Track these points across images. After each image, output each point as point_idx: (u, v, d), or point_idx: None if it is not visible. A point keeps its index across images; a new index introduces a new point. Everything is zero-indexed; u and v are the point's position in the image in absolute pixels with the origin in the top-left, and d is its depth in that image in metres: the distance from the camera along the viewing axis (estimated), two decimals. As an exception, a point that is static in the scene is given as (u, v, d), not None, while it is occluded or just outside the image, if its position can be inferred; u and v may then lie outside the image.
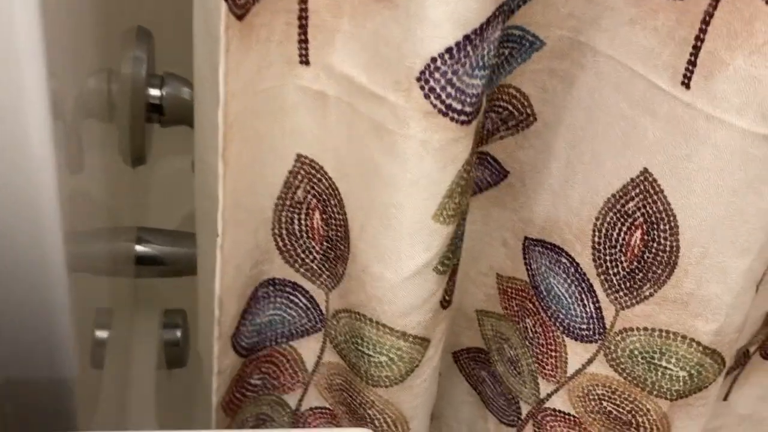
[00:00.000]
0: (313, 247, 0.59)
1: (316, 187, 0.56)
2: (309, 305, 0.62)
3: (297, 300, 0.62)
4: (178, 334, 1.13)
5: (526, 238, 0.66)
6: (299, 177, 0.55)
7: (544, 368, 0.68)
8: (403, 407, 0.63)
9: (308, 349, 0.64)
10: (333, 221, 0.57)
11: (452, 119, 0.47)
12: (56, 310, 0.47)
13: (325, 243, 0.59)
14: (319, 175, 0.55)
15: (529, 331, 0.68)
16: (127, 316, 0.92)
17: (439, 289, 0.57)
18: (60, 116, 0.42)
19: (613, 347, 0.63)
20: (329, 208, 0.57)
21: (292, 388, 0.66)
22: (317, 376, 0.66)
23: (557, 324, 0.65)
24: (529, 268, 0.67)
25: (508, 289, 0.70)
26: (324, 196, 0.56)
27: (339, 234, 0.57)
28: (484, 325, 0.75)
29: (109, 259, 0.73)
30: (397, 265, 0.54)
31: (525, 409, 0.72)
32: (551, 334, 0.66)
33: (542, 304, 0.66)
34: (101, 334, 0.64)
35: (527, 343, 0.69)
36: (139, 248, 0.83)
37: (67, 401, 0.52)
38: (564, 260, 0.63)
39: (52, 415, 0.53)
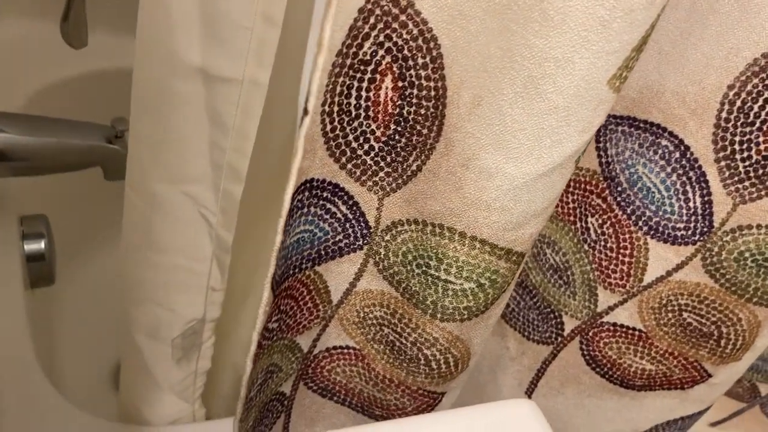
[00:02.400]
0: (372, 131, 0.38)
1: (395, 37, 0.35)
2: (350, 215, 0.42)
3: (335, 209, 0.41)
4: (42, 245, 0.88)
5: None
6: (372, 20, 0.34)
7: (610, 277, 0.54)
8: (473, 343, 0.46)
9: (338, 274, 0.45)
10: (414, 92, 0.37)
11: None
12: None
13: (392, 125, 0.39)
14: (404, 17, 0.35)
15: (593, 232, 0.53)
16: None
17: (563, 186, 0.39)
18: None
19: (717, 249, 0.49)
20: (411, 71, 0.36)
21: (308, 326, 0.47)
22: (344, 309, 0.47)
23: (640, 223, 0.51)
24: (603, 154, 0.50)
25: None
26: (406, 52, 0.36)
27: (423, 111, 0.37)
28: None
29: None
30: (535, 154, 0.36)
31: (570, 325, 0.58)
32: (628, 236, 0.52)
33: (619, 199, 0.51)
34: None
35: (586, 247, 0.54)
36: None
37: None
38: (665, 143, 0.48)
39: None
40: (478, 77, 0.34)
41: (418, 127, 0.38)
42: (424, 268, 0.42)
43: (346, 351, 0.49)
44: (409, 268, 0.42)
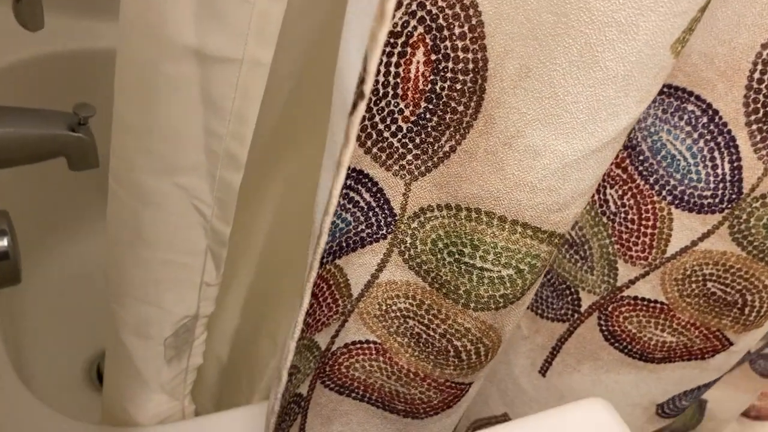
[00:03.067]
0: (400, 111, 0.34)
1: (429, 4, 0.31)
2: (373, 203, 0.38)
3: (357, 197, 0.38)
4: (5, 242, 0.82)
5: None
6: (403, -11, 0.30)
7: (631, 249, 0.51)
8: (505, 330, 0.43)
9: (360, 266, 0.41)
10: (449, 65, 0.33)
11: None
12: None
13: (423, 103, 0.35)
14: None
15: (612, 205, 0.50)
16: None
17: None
18: None
19: (745, 216, 0.47)
20: (447, 43, 0.32)
21: (326, 323, 0.43)
22: (365, 302, 0.43)
23: (664, 193, 0.48)
24: (624, 122, 0.47)
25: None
26: (441, 21, 0.32)
27: (459, 86, 0.33)
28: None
29: None
30: (589, 128, 0.33)
31: (588, 301, 0.55)
32: (651, 207, 0.49)
33: (641, 168, 0.48)
34: None
35: (605, 220, 0.51)
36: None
37: None
38: (691, 107, 0.45)
39: None
40: (527, 46, 0.31)
41: (453, 104, 0.34)
42: (456, 256, 0.38)
43: (366, 346, 0.45)
44: (439, 256, 0.39)
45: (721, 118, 0.44)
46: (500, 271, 0.38)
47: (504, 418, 0.65)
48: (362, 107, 0.26)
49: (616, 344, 0.56)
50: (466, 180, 0.36)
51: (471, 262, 0.38)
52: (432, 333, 0.43)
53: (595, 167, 0.34)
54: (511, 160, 0.34)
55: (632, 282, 0.52)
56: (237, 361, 0.87)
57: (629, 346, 0.55)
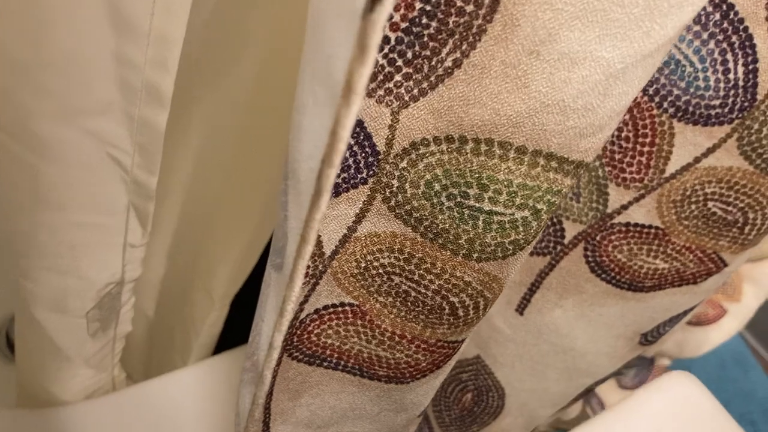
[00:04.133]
0: (389, 17, 0.26)
1: None
2: (350, 141, 0.29)
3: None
4: None
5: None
6: None
7: (625, 171, 0.44)
8: (508, 279, 0.36)
9: (333, 219, 0.32)
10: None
11: None
12: None
13: (418, 3, 0.26)
14: None
15: (603, 121, 0.43)
16: None
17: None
18: None
19: (757, 126, 0.41)
20: None
21: (294, 290, 0.35)
22: (340, 261, 0.34)
23: (665, 105, 0.41)
24: (620, 23, 0.40)
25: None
26: None
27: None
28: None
29: None
30: (645, 26, 0.25)
31: (573, 231, 0.48)
32: (649, 122, 0.42)
33: (639, 77, 0.41)
34: None
35: (595, 139, 0.44)
36: None
37: None
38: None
39: None
40: None
41: (459, 3, 0.25)
42: (458, 200, 0.30)
43: (341, 309, 0.37)
44: (435, 201, 0.31)
45: (737, 13, 0.37)
46: (513, 214, 0.31)
47: (477, 360, 0.60)
48: (384, 12, 0.17)
49: (603, 275, 0.50)
50: (475, 103, 0.27)
51: (477, 205, 0.30)
52: (423, 290, 0.35)
53: (642, 78, 0.26)
54: (539, 73, 0.26)
55: (624, 207, 0.46)
56: (167, 317, 0.77)
57: (617, 276, 0.50)
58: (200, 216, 0.66)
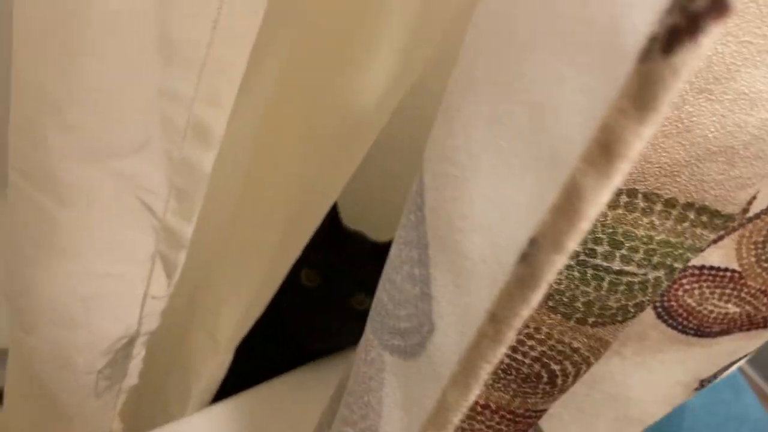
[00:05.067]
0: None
1: None
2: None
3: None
4: None
5: None
6: None
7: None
8: (615, 342, 0.31)
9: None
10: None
11: None
12: None
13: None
14: None
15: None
16: None
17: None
18: None
19: None
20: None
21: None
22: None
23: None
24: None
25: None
26: None
27: None
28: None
29: None
30: None
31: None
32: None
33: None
34: None
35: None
36: None
37: None
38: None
39: None
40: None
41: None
42: (582, 257, 0.26)
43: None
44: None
45: None
46: (645, 274, 0.26)
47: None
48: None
49: (670, 321, 0.46)
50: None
51: (604, 264, 0.26)
52: (520, 357, 0.30)
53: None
54: (708, 115, 0.21)
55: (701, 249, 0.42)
56: (161, 357, 0.71)
57: (684, 322, 0.46)
58: (205, 248, 0.61)
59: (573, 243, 0.14)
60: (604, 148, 0.12)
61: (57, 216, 0.35)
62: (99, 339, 0.45)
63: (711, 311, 0.45)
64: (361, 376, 0.27)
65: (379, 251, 0.73)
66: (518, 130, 0.16)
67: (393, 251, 0.24)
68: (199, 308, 0.62)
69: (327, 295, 0.69)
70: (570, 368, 0.31)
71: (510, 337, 0.17)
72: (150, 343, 0.71)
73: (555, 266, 0.15)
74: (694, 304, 0.44)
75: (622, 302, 0.27)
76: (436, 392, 0.21)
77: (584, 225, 0.14)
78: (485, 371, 0.18)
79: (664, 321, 0.46)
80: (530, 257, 0.15)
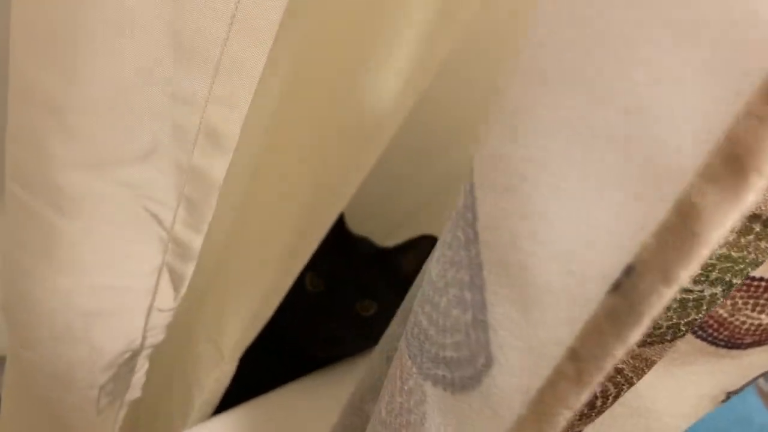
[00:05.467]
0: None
1: None
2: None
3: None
4: None
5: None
6: None
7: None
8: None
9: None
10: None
11: None
12: None
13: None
14: None
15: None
16: None
17: None
18: None
19: None
20: None
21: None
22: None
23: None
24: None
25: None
26: None
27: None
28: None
29: None
30: None
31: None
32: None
33: None
34: None
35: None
36: None
37: None
38: None
39: None
40: None
41: None
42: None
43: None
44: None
45: None
46: (702, 291, 0.24)
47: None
48: None
49: (700, 332, 0.44)
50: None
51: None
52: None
53: None
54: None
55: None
56: (167, 365, 0.68)
57: (715, 333, 0.44)
58: (210, 255, 0.58)
59: (687, 273, 0.12)
60: (732, 162, 0.10)
61: (58, 227, 0.33)
62: (101, 354, 0.43)
63: (743, 322, 0.43)
64: (398, 408, 0.24)
65: (385, 257, 0.71)
66: (611, 139, 0.14)
67: (434, 271, 0.21)
68: (203, 317, 0.60)
69: (331, 300, 0.67)
70: (612, 389, 0.29)
71: (597, 380, 0.15)
72: (151, 354, 0.69)
73: (662, 300, 0.12)
74: (725, 315, 0.42)
75: (674, 320, 0.25)
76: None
77: (704, 252, 0.11)
78: (564, 418, 0.16)
79: (694, 332, 0.44)
80: (626, 287, 0.13)
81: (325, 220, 0.50)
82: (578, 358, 0.15)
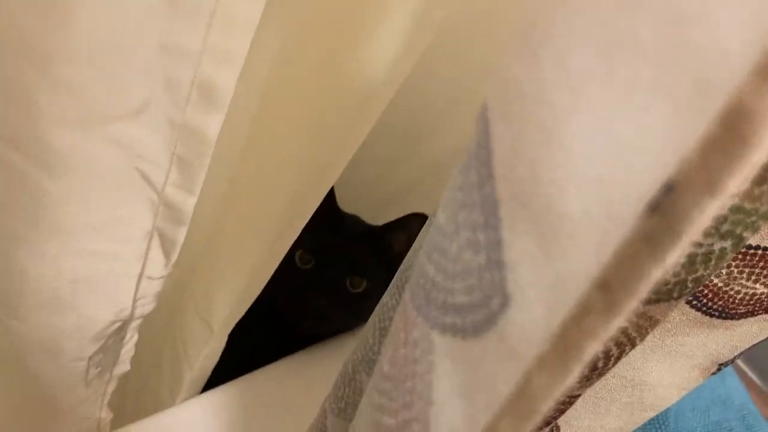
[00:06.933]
0: None
1: None
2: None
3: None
4: None
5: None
6: None
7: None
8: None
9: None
10: None
11: None
12: None
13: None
14: None
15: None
16: None
17: None
18: None
19: None
20: None
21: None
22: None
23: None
24: None
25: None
26: None
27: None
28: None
29: None
30: None
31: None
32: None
33: None
34: None
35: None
36: None
37: None
38: None
39: None
40: None
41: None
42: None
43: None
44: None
45: None
46: (711, 245, 0.23)
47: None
48: None
49: (694, 302, 0.43)
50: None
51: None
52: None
53: None
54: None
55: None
56: (155, 341, 0.67)
57: (709, 303, 0.43)
58: (200, 227, 0.57)
59: (736, 181, 0.11)
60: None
61: (45, 188, 0.31)
62: (89, 324, 0.41)
63: (738, 291, 0.42)
64: (401, 359, 0.23)
65: (375, 234, 0.70)
66: (644, 51, 0.13)
67: (441, 219, 0.20)
68: (192, 292, 0.58)
69: (321, 276, 0.66)
70: (614, 350, 0.28)
71: (632, 306, 0.14)
72: (140, 329, 0.67)
73: (705, 213, 0.12)
74: (720, 284, 0.42)
75: (682, 276, 0.24)
76: (514, 376, 0.18)
77: (756, 157, 0.11)
78: (592, 349, 0.15)
79: (688, 302, 0.43)
80: (665, 206, 0.12)
81: (316, 194, 0.49)
82: (609, 288, 0.14)
